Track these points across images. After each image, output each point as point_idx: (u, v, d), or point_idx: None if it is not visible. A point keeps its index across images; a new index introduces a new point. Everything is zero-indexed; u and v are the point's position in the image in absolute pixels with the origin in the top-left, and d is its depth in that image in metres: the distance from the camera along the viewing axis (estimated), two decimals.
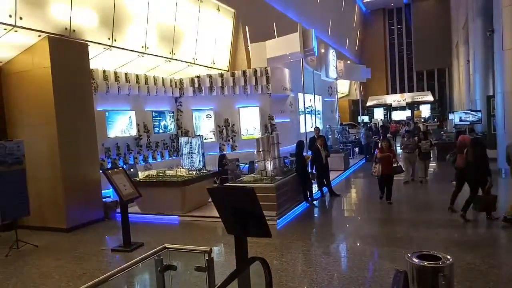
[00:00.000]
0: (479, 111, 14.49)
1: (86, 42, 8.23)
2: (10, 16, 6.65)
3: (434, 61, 36.66)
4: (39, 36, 7.32)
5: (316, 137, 10.59)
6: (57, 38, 7.54)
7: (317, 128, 11.11)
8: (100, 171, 8.01)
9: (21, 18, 6.80)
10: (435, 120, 31.28)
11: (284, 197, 7.79)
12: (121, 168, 6.74)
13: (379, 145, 8.65)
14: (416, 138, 11.19)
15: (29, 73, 7.66)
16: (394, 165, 8.36)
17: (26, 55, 7.69)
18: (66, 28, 7.72)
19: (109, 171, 6.34)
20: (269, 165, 8.22)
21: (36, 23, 7.10)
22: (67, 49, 7.75)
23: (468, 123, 14.09)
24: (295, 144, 13.35)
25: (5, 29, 6.73)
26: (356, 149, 17.80)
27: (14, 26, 6.73)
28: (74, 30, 7.89)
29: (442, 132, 15.57)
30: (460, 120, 13.95)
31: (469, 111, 14.49)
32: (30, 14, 6.95)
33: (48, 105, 7.43)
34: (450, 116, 24.87)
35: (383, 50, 41.52)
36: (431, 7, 37.51)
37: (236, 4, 13.84)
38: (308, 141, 11.94)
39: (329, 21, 27.79)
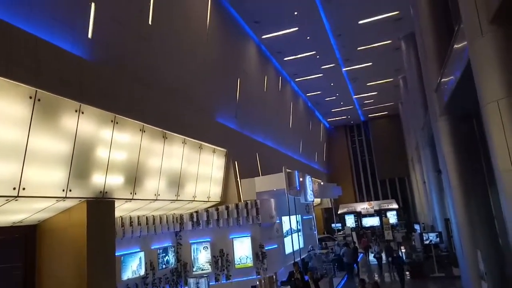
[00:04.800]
0: (440, 232, 16.62)
1: (113, 200, 9.74)
2: (63, 190, 8.15)
3: (394, 171, 40.75)
4: (79, 200, 8.78)
5: (294, 271, 11.94)
6: (93, 201, 9.01)
7: (296, 263, 12.62)
8: None
9: (70, 190, 8.31)
10: (402, 226, 33.51)
11: None
12: None
13: None
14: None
15: (65, 231, 8.88)
16: None
17: (63, 215, 9.01)
18: (100, 192, 9.25)
19: None
20: None
21: (81, 192, 8.61)
22: (99, 208, 9.16)
23: (435, 242, 16.03)
24: (283, 268, 14.71)
25: (56, 200, 8.16)
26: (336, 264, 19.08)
27: (65, 197, 8.19)
28: (106, 192, 9.42)
29: (412, 253, 17.31)
30: (429, 242, 15.85)
31: (433, 233, 16.53)
32: (77, 186, 8.49)
33: (81, 259, 8.51)
34: (416, 226, 27.16)
35: (348, 160, 45.61)
36: (385, 125, 42.93)
37: (227, 144, 16.16)
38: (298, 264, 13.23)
39: (300, 141, 31.22)
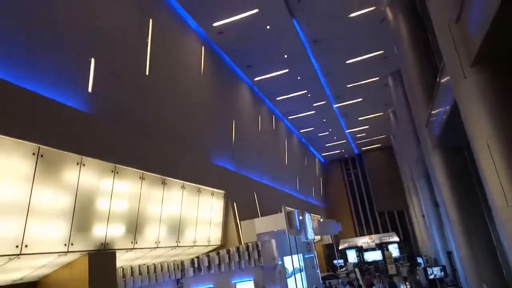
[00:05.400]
0: (444, 266, 16.45)
1: (115, 250, 9.64)
2: (65, 244, 8.10)
3: (392, 203, 40.70)
4: (81, 254, 8.69)
5: None
6: (95, 253, 8.92)
7: None
8: None
9: (72, 244, 8.25)
10: (405, 260, 33.01)
11: None
12: None
13: None
14: None
15: (66, 286, 8.72)
16: None
17: (64, 269, 8.87)
18: (101, 243, 9.18)
19: None
20: None
21: (83, 246, 8.55)
22: (100, 260, 9.05)
23: (440, 277, 15.80)
24: None
25: (58, 255, 8.09)
26: None
27: (67, 252, 8.13)
28: (107, 243, 9.36)
29: None
30: (434, 277, 15.61)
31: (437, 267, 16.32)
32: (79, 239, 8.45)
33: None
34: (419, 260, 26.80)
35: (345, 193, 45.60)
36: (379, 157, 43.36)
37: (225, 186, 16.22)
38: None
39: (296, 177, 31.33)
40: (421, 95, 14.04)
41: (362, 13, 15.92)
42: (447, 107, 9.72)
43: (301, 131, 32.79)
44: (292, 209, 14.63)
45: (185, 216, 13.11)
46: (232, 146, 18.83)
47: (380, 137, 38.41)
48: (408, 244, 39.91)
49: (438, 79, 10.30)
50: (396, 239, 37.55)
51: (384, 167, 42.04)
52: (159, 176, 11.66)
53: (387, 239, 37.44)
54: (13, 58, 7.83)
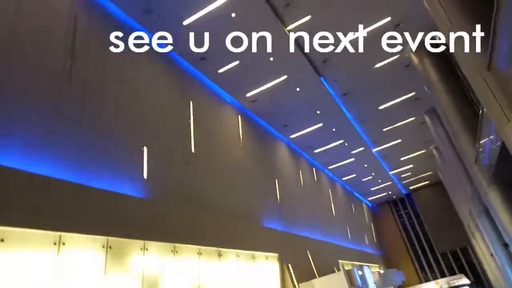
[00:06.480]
0: None
1: None
2: None
3: (452, 241, 37.93)
4: None
5: None
6: None
7: None
8: None
9: None
10: None
11: None
12: None
13: None
14: None
15: None
16: None
17: None
18: None
19: None
20: None
21: None
22: None
23: None
24: None
25: None
26: None
27: None
28: None
29: None
30: None
31: None
32: None
33: None
34: None
35: (400, 236, 43.17)
36: (430, 194, 41.37)
37: (278, 248, 16.12)
38: None
39: (346, 226, 30.42)
40: (463, 132, 13.79)
41: (387, 63, 16.40)
42: (496, 142, 9.48)
43: (344, 179, 32.41)
44: (351, 266, 14.18)
45: (243, 285, 13.07)
46: (278, 206, 18.93)
47: (427, 174, 37.00)
48: (481, 285, 36.42)
49: (480, 118, 10.22)
50: (467, 281, 34.36)
51: (437, 204, 39.85)
52: (215, 248, 11.92)
53: (456, 283, 34.30)
54: (78, 161, 8.73)
